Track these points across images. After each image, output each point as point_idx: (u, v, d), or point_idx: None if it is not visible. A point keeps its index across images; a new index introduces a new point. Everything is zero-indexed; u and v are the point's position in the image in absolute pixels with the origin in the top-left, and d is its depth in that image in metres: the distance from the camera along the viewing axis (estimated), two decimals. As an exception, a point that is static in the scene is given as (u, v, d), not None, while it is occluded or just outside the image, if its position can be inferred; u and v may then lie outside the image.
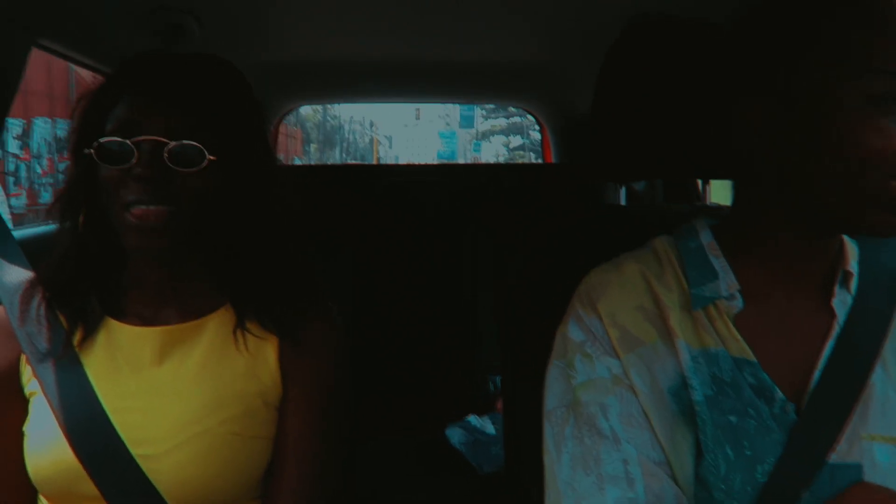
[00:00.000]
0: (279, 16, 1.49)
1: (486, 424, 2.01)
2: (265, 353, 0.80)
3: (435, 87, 2.28)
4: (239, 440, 0.77)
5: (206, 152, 0.74)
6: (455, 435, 1.97)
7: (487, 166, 3.62)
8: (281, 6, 1.42)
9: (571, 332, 0.70)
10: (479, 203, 2.17)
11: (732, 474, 0.62)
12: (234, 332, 0.80)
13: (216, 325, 0.81)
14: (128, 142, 0.72)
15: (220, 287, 0.82)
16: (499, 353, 1.03)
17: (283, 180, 0.84)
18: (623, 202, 1.84)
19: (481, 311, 2.15)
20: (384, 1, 1.40)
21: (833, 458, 0.62)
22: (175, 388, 0.77)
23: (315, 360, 0.82)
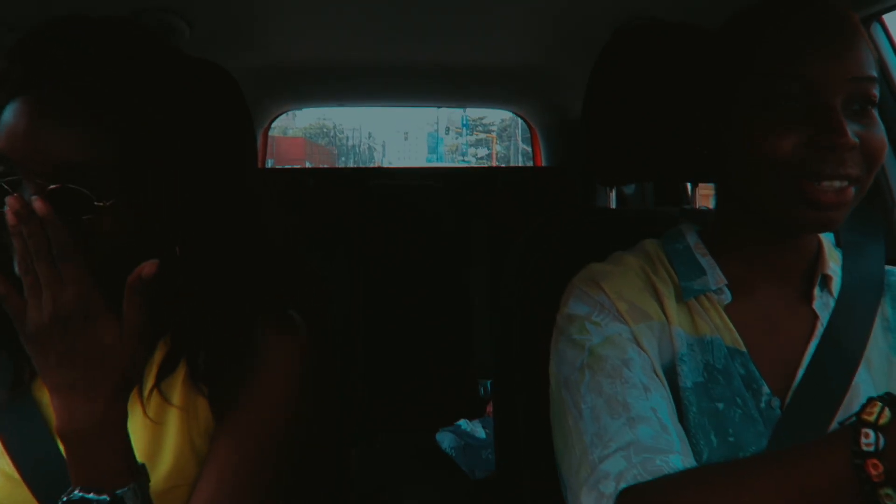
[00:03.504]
0: (271, 19, 1.49)
1: (477, 428, 2.00)
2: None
3: (427, 91, 2.29)
4: (182, 490, 0.69)
5: (93, 199, 0.58)
6: (446, 440, 1.96)
7: (484, 169, 3.63)
8: (273, 9, 1.41)
9: (574, 308, 0.70)
10: (475, 207, 2.17)
11: (714, 460, 0.63)
12: (164, 376, 0.69)
13: (156, 362, 0.70)
14: (3, 184, 0.58)
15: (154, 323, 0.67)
16: (490, 357, 1.02)
17: (233, 186, 0.71)
18: (613, 205, 1.84)
19: (474, 315, 2.15)
20: (376, 5, 1.40)
21: None
22: None
23: (255, 385, 0.69)
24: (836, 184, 0.60)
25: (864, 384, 0.66)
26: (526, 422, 0.86)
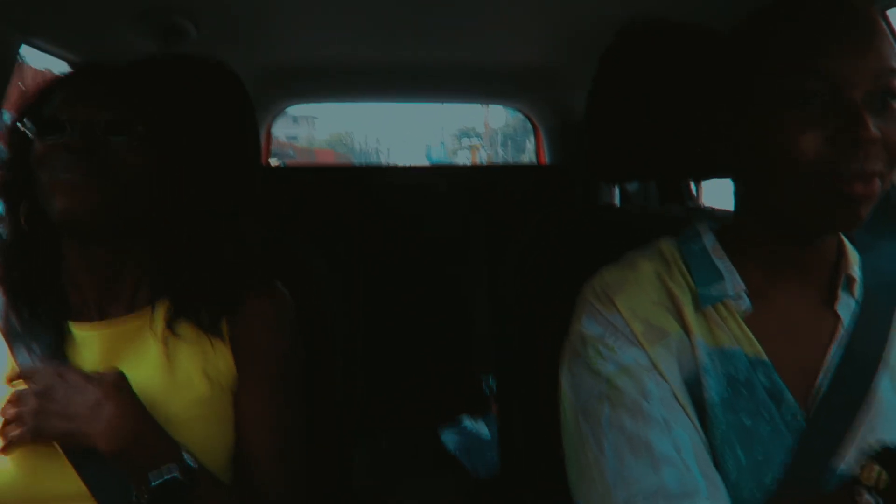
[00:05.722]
0: (276, 17, 1.49)
1: (481, 427, 2.00)
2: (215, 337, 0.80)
3: (432, 88, 2.28)
4: (204, 425, 0.77)
5: (138, 122, 0.74)
6: (450, 441, 1.96)
7: (485, 168, 3.62)
8: (277, 7, 1.42)
9: (587, 326, 0.68)
10: (476, 204, 2.17)
11: (743, 480, 0.61)
12: (173, 325, 0.79)
13: (162, 312, 0.79)
14: (59, 112, 0.73)
15: (159, 276, 0.81)
16: (490, 353, 1.03)
17: (238, 167, 0.83)
18: (617, 203, 1.85)
19: (477, 312, 2.15)
20: (380, 2, 1.40)
21: (841, 466, 0.61)
22: (135, 385, 0.75)
23: (263, 338, 0.81)
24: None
25: (887, 391, 0.64)
26: (527, 423, 0.86)
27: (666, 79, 0.83)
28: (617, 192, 1.90)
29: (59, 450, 0.72)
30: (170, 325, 0.78)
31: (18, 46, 1.15)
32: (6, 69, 1.13)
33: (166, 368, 0.77)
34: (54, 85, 0.77)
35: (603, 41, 0.92)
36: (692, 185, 1.23)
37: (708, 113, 0.69)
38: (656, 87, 0.84)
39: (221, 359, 0.79)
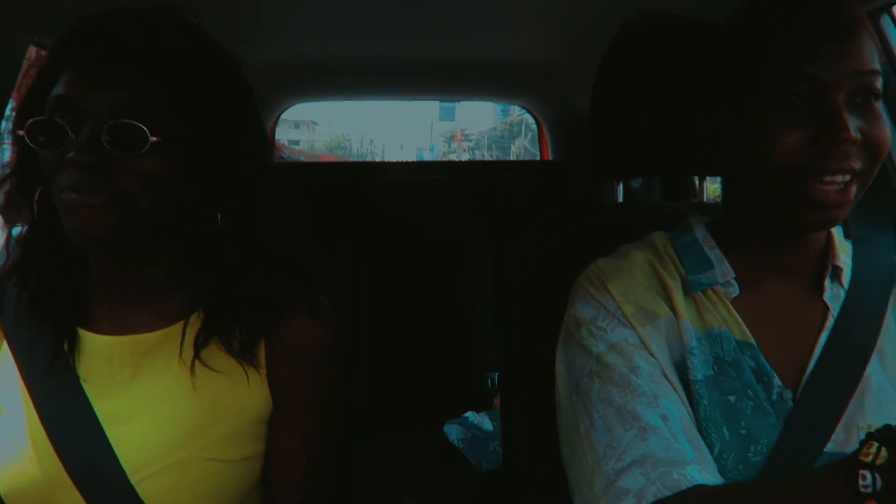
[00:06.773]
0: (278, 14, 1.49)
1: (484, 421, 2.01)
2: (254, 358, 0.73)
3: (436, 85, 2.29)
4: (223, 466, 0.70)
5: (148, 133, 0.63)
6: (453, 432, 1.98)
7: (487, 163, 3.62)
8: (280, 6, 1.42)
9: (581, 310, 0.70)
10: (479, 200, 2.17)
11: (726, 453, 0.64)
12: (203, 350, 0.71)
13: (194, 330, 0.72)
14: (60, 122, 0.63)
15: (193, 288, 0.73)
16: (493, 352, 1.03)
17: (259, 169, 0.74)
18: (621, 199, 1.84)
19: (480, 307, 2.15)
20: (383, 0, 1.40)
21: (830, 446, 0.64)
22: (150, 411, 0.70)
23: (305, 366, 0.74)
24: (839, 179, 0.60)
25: (876, 375, 0.66)
26: (528, 424, 0.87)
27: (670, 74, 0.83)
28: (621, 187, 1.89)
29: None
30: (199, 351, 0.70)
31: (26, 46, 1.15)
32: (13, 69, 1.13)
33: (190, 401, 0.70)
34: (57, 72, 0.67)
35: (607, 37, 0.92)
36: (697, 181, 1.23)
37: (704, 110, 0.70)
38: (660, 82, 0.84)
39: (257, 391, 0.72)
